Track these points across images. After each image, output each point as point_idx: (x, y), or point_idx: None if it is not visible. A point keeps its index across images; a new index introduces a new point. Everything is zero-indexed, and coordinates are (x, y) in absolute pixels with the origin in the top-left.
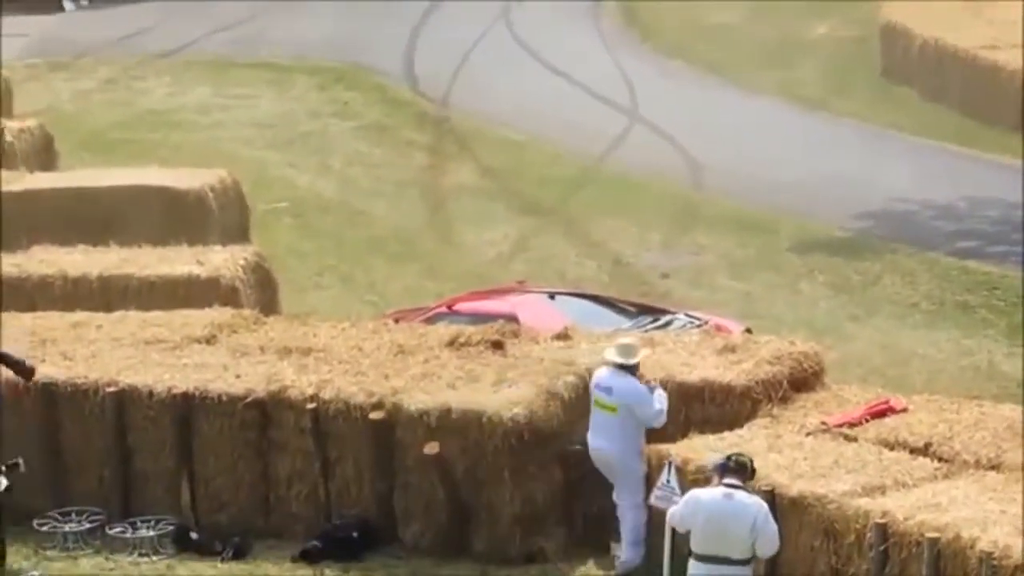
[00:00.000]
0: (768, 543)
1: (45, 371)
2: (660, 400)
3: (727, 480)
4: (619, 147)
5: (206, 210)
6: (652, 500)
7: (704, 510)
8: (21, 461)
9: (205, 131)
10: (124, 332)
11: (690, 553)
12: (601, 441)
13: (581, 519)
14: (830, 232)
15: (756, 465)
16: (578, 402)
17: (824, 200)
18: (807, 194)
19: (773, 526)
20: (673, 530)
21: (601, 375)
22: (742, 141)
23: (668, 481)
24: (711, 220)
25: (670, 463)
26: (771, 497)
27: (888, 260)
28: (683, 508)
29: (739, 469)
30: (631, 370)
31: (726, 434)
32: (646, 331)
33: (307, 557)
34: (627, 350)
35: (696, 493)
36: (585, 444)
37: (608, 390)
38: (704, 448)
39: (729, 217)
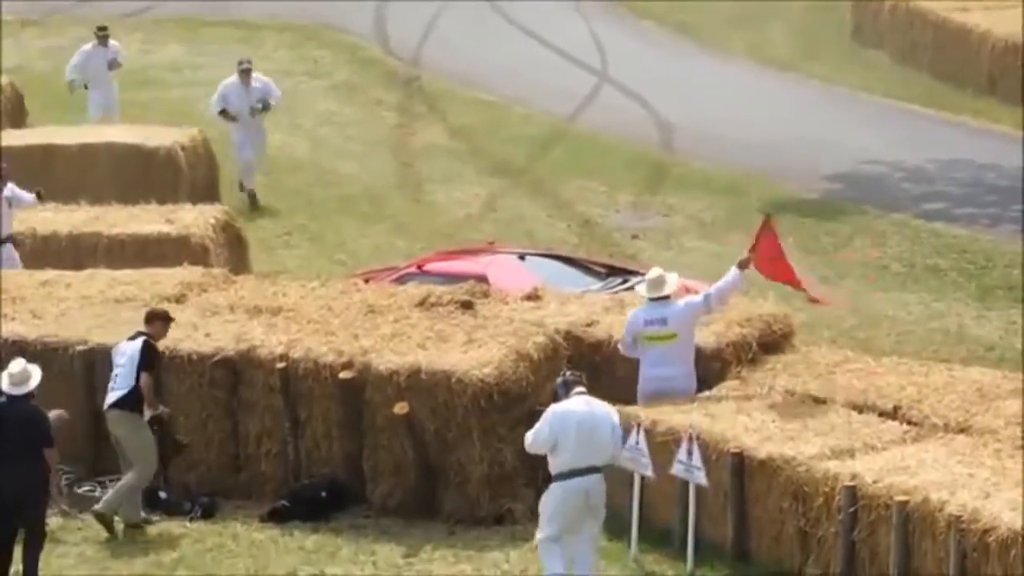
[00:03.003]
0: (620, 445)
1: (15, 329)
2: (702, 296)
3: (578, 390)
4: (589, 108)
5: (176, 168)
6: (621, 461)
7: (575, 421)
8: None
9: (176, 89)
10: (94, 290)
11: (551, 479)
12: (668, 368)
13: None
14: (800, 194)
15: (722, 427)
16: (547, 363)
17: (794, 162)
18: (777, 156)
19: (620, 429)
20: (641, 485)
21: (643, 313)
22: (712, 103)
23: (636, 443)
24: (680, 181)
25: (638, 425)
26: (740, 460)
27: (858, 222)
28: (551, 424)
29: (579, 379)
30: (668, 298)
31: (696, 395)
32: (615, 292)
33: (275, 517)
34: (660, 282)
35: (559, 407)
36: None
37: (662, 321)
38: (672, 410)
39: (698, 178)
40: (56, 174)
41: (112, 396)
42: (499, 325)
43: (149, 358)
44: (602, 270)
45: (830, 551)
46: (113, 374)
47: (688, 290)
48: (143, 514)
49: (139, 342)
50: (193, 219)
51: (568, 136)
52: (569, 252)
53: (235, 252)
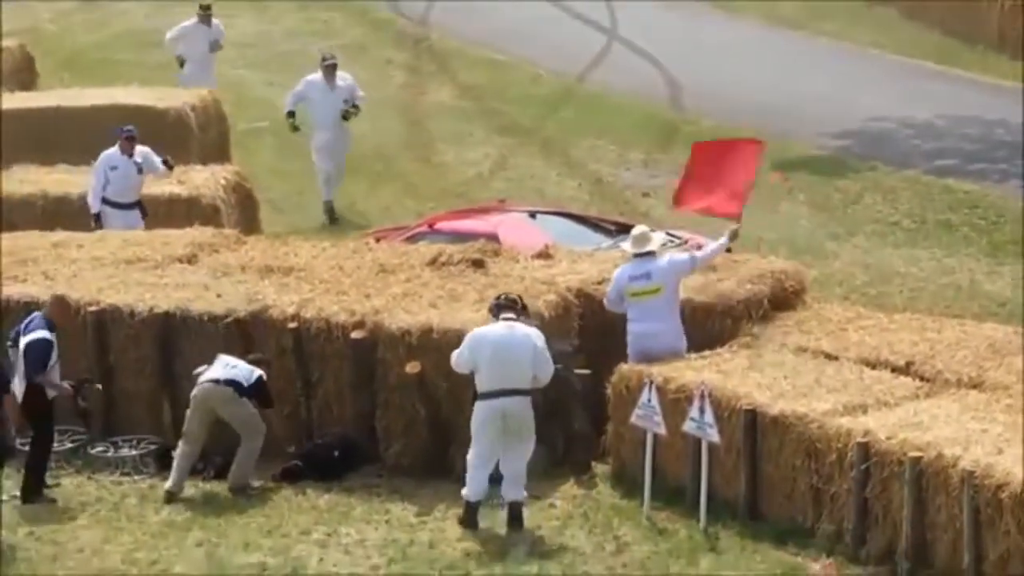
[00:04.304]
0: (545, 367)
1: (27, 290)
2: (687, 256)
3: (505, 315)
4: (599, 67)
5: (186, 129)
6: (633, 419)
7: (490, 343)
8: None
9: None
10: (105, 252)
11: (475, 397)
12: (652, 323)
13: (561, 439)
14: (810, 151)
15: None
16: (558, 321)
17: (804, 119)
18: (787, 114)
19: (547, 353)
20: (654, 444)
21: (629, 269)
22: (722, 61)
23: (649, 400)
24: (691, 140)
25: (650, 382)
26: (752, 416)
27: (868, 178)
28: (468, 346)
29: (511, 304)
30: (652, 254)
31: (707, 353)
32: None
33: (288, 476)
34: (644, 238)
35: (479, 330)
36: (566, 363)
37: (647, 276)
38: (685, 368)
39: (709, 136)
40: (65, 136)
41: (229, 373)
42: (510, 283)
43: (264, 391)
44: (613, 228)
45: (843, 508)
46: (226, 362)
47: (700, 247)
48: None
49: (256, 371)
50: (204, 180)
51: (578, 95)
52: (580, 210)
53: (246, 212)
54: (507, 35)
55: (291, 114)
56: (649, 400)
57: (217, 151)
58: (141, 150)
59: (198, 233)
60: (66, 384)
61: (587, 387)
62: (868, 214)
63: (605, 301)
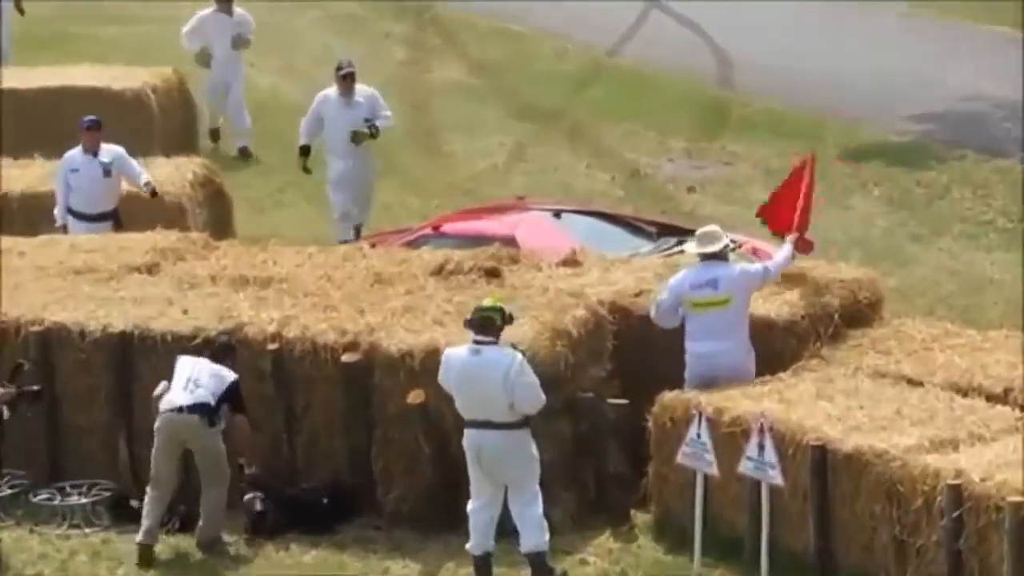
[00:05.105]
0: (525, 398)
1: None
2: (761, 267)
3: (477, 337)
4: (634, 38)
5: (147, 114)
6: (680, 458)
7: (454, 370)
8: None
9: (147, 24)
10: (51, 260)
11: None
12: (716, 342)
13: (594, 481)
14: (886, 137)
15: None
16: (589, 341)
17: (877, 99)
18: (856, 92)
19: (529, 378)
20: (705, 487)
21: (692, 274)
22: (780, 31)
23: (698, 436)
24: (743, 123)
25: (700, 413)
26: (821, 454)
27: (955, 169)
28: (442, 369)
29: (484, 325)
30: (722, 256)
31: (767, 378)
32: (669, 255)
33: (263, 525)
34: (711, 237)
35: (448, 352)
36: (598, 391)
37: (713, 284)
38: (741, 396)
39: (765, 120)
40: (8, 124)
41: (195, 396)
42: (531, 296)
43: (239, 397)
44: (652, 229)
45: (931, 563)
46: (187, 376)
47: (756, 252)
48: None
49: (230, 372)
50: (167, 174)
51: (610, 72)
52: (613, 208)
53: (217, 212)
54: (526, 2)
55: (305, 149)
56: (698, 435)
57: (183, 140)
58: (111, 149)
59: (160, 237)
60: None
61: (623, 419)
62: (956, 211)
63: (653, 310)
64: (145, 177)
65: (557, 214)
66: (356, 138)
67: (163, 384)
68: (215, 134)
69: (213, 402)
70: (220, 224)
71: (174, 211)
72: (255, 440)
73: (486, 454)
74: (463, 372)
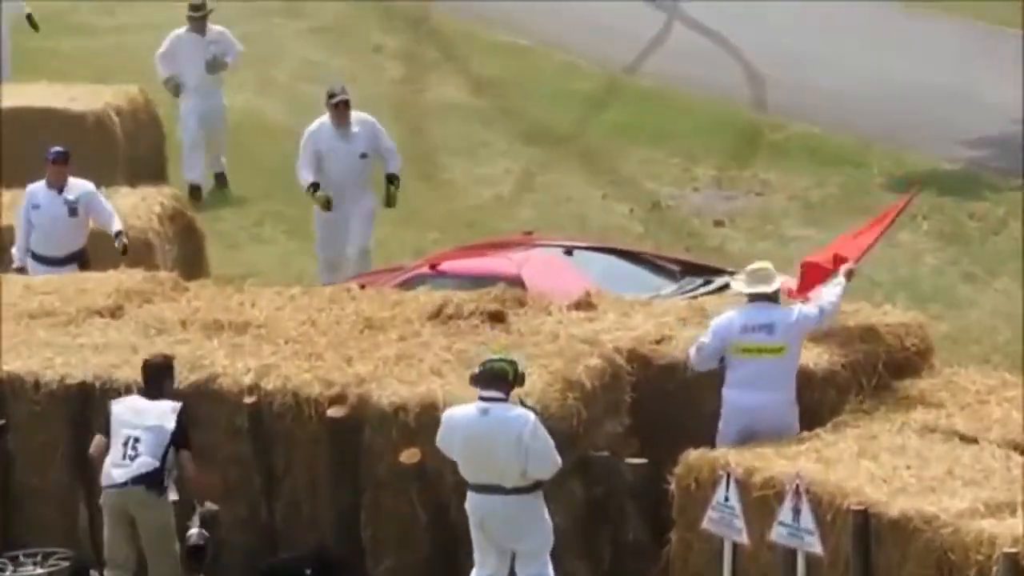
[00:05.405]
0: (540, 463)
1: None
2: (816, 308)
3: (485, 393)
4: (656, 54)
5: (110, 139)
6: (706, 524)
7: (460, 431)
8: None
9: (109, 36)
10: (4, 302)
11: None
12: (763, 394)
13: (609, 550)
14: (936, 164)
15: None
16: (604, 392)
17: (928, 122)
18: (905, 114)
19: (544, 441)
20: (733, 556)
21: (742, 316)
22: (818, 46)
23: (726, 499)
24: (778, 149)
25: (728, 474)
26: (864, 519)
27: (1012, 200)
28: (442, 431)
29: (495, 379)
30: (774, 297)
31: (804, 434)
32: (695, 296)
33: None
34: (764, 275)
35: (450, 412)
36: (614, 449)
37: (769, 328)
38: (774, 455)
39: (802, 145)
40: None
41: (138, 466)
42: (540, 343)
43: (187, 432)
44: (676, 268)
45: None
46: (125, 438)
47: (790, 294)
48: None
49: (170, 408)
50: (132, 205)
51: (628, 91)
52: (632, 245)
53: (188, 249)
54: (533, 12)
55: (315, 187)
56: (726, 498)
57: (150, 167)
58: (79, 185)
59: (125, 277)
60: None
61: (643, 481)
62: (1013, 247)
63: (692, 354)
64: (117, 225)
65: (569, 251)
66: (360, 179)
67: (98, 440)
68: (195, 192)
69: (158, 464)
70: (191, 262)
71: (140, 248)
72: (206, 476)
73: (493, 521)
74: (470, 435)
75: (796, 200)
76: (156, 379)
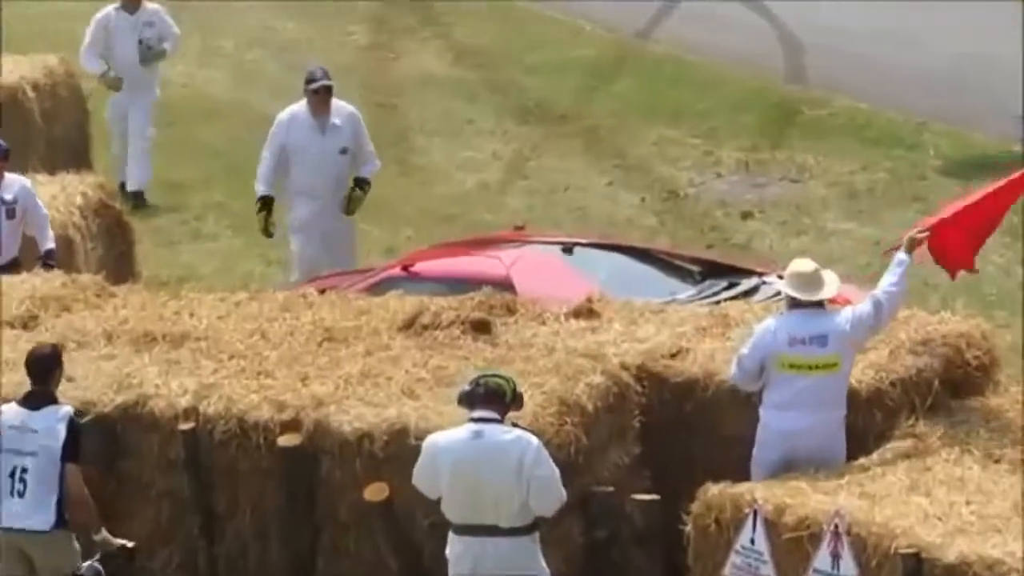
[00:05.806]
0: (545, 495)
1: None
2: (869, 304)
3: (477, 413)
4: (672, 18)
5: (25, 118)
6: (729, 571)
7: (447, 458)
8: None
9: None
10: None
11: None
12: (812, 416)
13: None
14: (1000, 146)
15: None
16: (608, 416)
17: (992, 101)
18: (961, 91)
19: (550, 469)
20: None
21: (788, 325)
22: (862, 10)
23: (752, 542)
24: (818, 129)
25: (754, 512)
26: (916, 565)
27: None
28: (421, 463)
29: (491, 396)
30: (821, 303)
31: (846, 465)
32: (717, 302)
33: None
34: (816, 280)
35: (433, 438)
36: (620, 483)
37: (821, 340)
38: (810, 490)
39: (845, 124)
40: None
41: (22, 509)
42: (532, 358)
43: (78, 442)
44: (695, 268)
45: None
46: (11, 467)
47: (834, 300)
48: None
49: (57, 419)
50: (51, 196)
51: (640, 61)
52: (643, 241)
53: (115, 247)
54: None
55: (266, 202)
56: (752, 541)
57: (71, 151)
58: (15, 182)
59: (39, 282)
60: None
61: (654, 520)
62: None
63: (734, 371)
64: (50, 242)
65: (568, 249)
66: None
67: None
68: (136, 195)
69: (54, 496)
70: (119, 263)
71: (58, 246)
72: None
73: (485, 568)
74: (460, 463)
75: (838, 187)
76: (43, 374)
